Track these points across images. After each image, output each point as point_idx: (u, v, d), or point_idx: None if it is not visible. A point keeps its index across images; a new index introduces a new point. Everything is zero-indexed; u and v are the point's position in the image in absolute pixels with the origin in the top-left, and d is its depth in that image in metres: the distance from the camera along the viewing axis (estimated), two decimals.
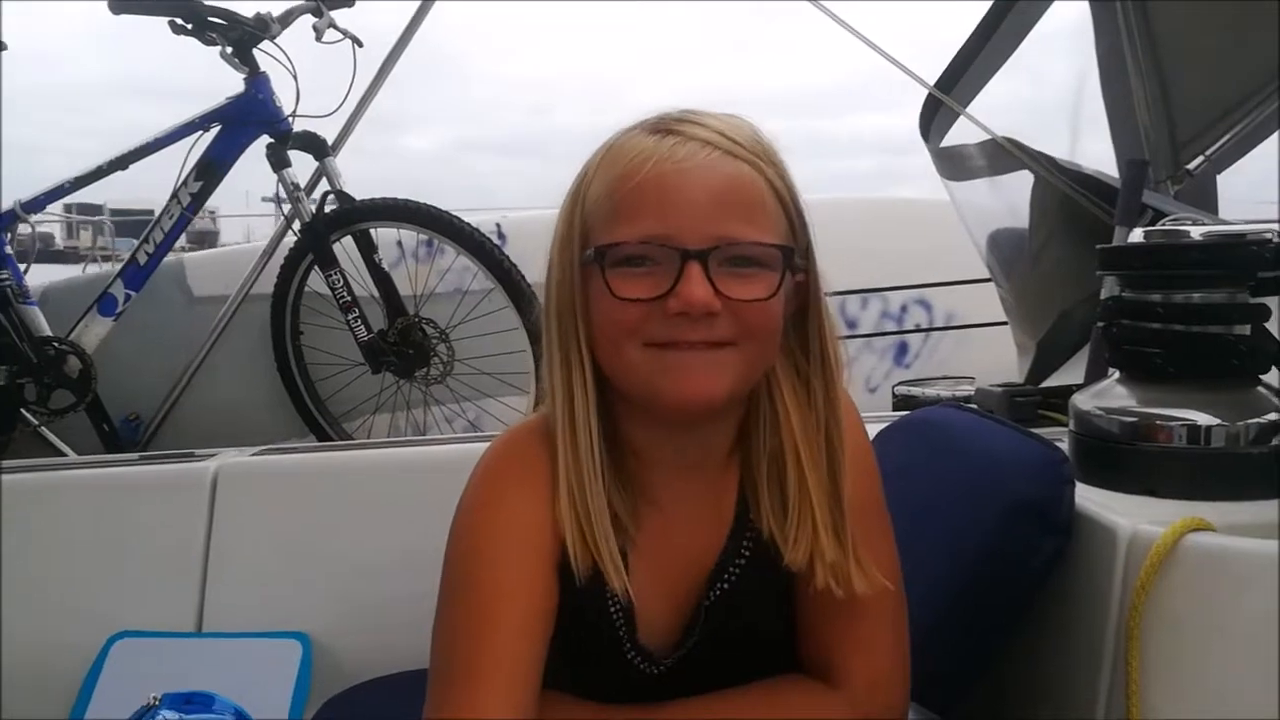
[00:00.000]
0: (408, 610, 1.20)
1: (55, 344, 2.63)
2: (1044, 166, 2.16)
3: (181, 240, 2.83)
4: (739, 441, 0.98)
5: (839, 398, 0.96)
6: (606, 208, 0.89)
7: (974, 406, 1.63)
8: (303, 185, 2.65)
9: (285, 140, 2.63)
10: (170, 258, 2.81)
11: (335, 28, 2.66)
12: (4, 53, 2.67)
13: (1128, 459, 1.17)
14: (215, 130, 2.63)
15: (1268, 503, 1.08)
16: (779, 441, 0.95)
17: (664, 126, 0.90)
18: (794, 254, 0.90)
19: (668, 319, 0.86)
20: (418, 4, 2.78)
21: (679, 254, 0.85)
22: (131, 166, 2.66)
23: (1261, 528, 1.01)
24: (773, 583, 0.98)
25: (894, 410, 2.12)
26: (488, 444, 1.01)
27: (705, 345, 0.87)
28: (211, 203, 2.86)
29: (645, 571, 0.94)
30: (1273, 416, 1.14)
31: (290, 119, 2.64)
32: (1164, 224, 1.31)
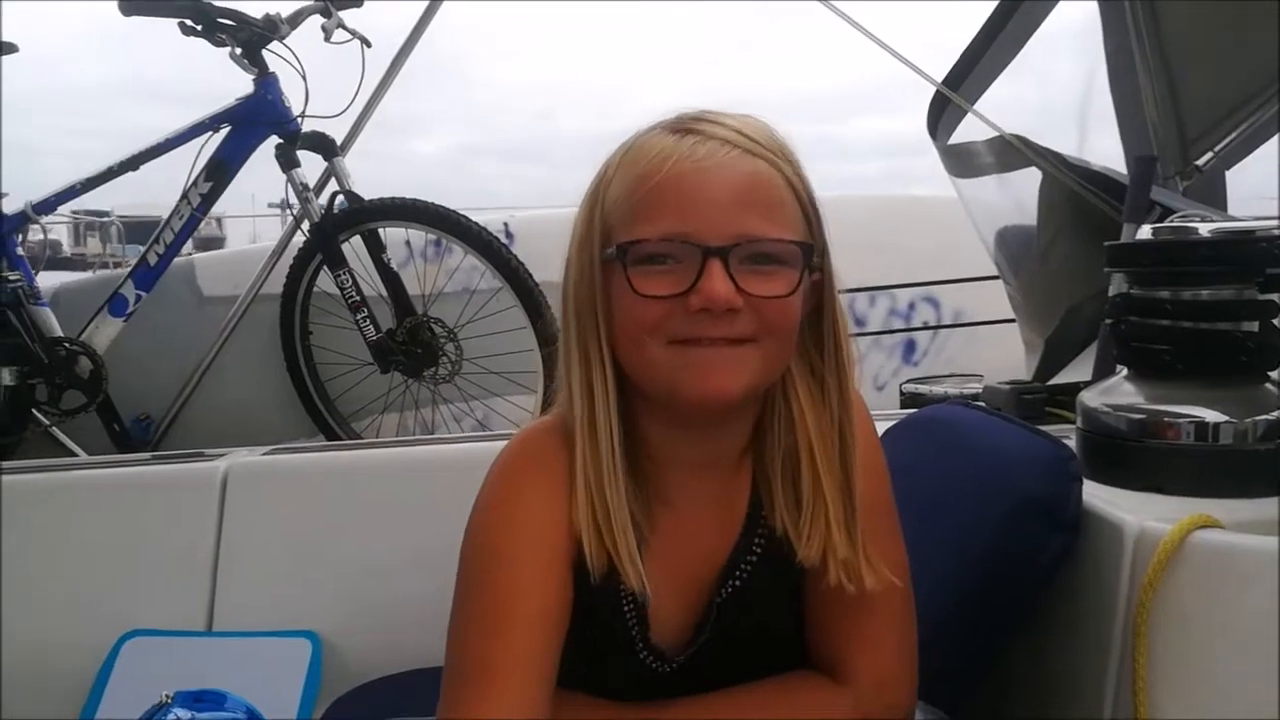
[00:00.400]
0: (417, 609, 1.21)
1: (66, 345, 2.64)
2: (1051, 163, 2.15)
3: (187, 246, 2.85)
4: (753, 440, 0.98)
5: (852, 395, 0.96)
6: (627, 207, 0.90)
7: (981, 404, 1.63)
8: (311, 185, 2.67)
9: (294, 141, 2.64)
10: (180, 258, 2.82)
11: (344, 28, 2.67)
12: (5, 55, 2.69)
13: (1135, 456, 1.17)
14: (225, 131, 2.64)
15: (1275, 500, 1.08)
16: (794, 439, 0.95)
17: (683, 126, 0.91)
18: (813, 251, 0.91)
19: (689, 316, 0.87)
20: (425, 4, 2.79)
21: (700, 251, 0.86)
22: (141, 168, 2.67)
23: (1269, 524, 1.01)
24: (783, 580, 0.98)
25: (902, 408, 2.12)
26: (496, 443, 1.01)
27: (726, 342, 0.88)
28: (216, 208, 2.87)
29: (658, 570, 0.94)
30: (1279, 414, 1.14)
31: (299, 119, 2.65)
32: (1172, 220, 1.31)
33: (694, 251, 0.86)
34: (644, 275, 0.88)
